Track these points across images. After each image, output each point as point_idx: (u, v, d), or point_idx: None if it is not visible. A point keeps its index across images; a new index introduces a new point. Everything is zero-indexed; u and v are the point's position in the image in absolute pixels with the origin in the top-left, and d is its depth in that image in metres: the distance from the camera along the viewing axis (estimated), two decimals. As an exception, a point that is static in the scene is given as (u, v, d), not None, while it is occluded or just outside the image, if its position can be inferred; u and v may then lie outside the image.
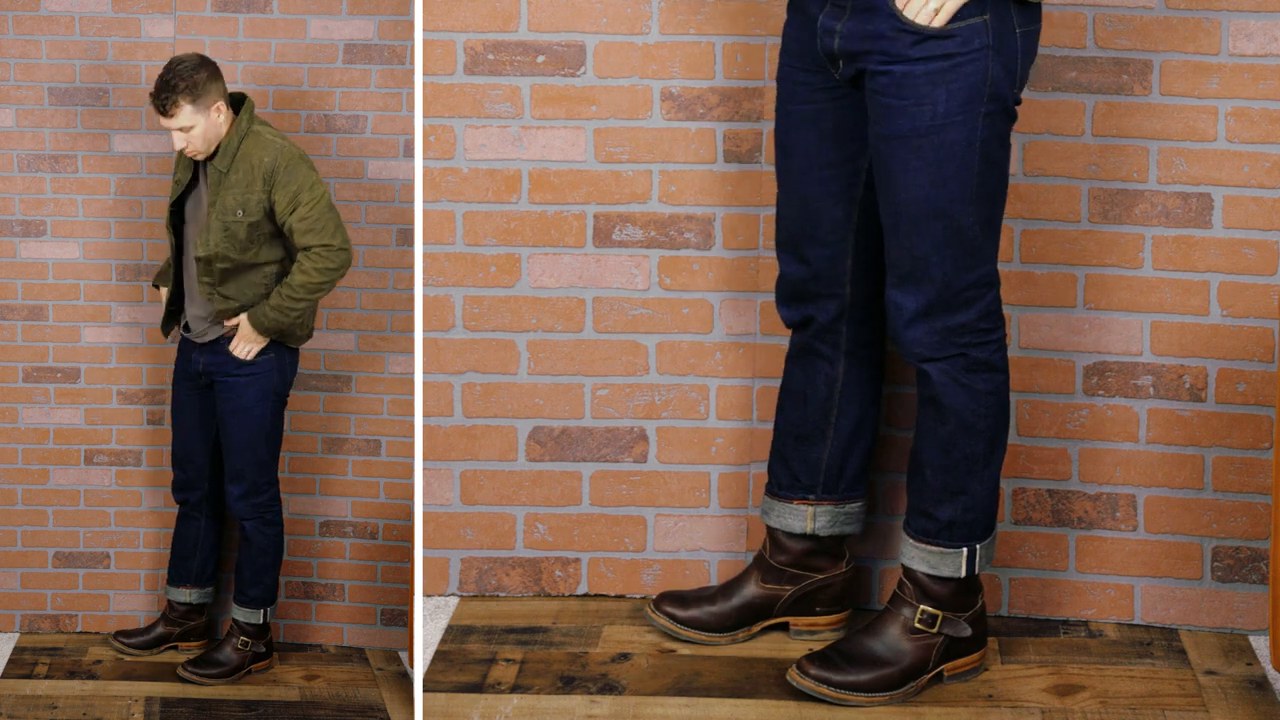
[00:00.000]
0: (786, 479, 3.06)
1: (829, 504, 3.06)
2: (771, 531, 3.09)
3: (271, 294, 3.61)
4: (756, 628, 3.09)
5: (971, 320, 2.80)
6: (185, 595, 3.89)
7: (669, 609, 3.09)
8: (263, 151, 3.58)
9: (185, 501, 3.85)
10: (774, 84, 3.11)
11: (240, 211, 3.57)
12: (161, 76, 3.53)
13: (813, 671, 2.87)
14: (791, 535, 3.07)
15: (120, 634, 3.91)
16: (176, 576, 3.90)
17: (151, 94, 3.53)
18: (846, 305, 2.96)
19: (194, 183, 3.67)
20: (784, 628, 3.11)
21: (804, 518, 3.05)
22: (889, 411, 3.20)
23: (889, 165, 2.74)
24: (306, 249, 3.59)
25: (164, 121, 3.54)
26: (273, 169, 3.56)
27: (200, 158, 3.60)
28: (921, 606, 2.89)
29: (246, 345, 3.65)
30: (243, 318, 3.64)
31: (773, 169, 3.09)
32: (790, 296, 2.98)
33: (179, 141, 3.56)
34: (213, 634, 3.97)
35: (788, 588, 3.07)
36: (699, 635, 3.08)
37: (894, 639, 2.90)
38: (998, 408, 2.86)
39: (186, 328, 3.72)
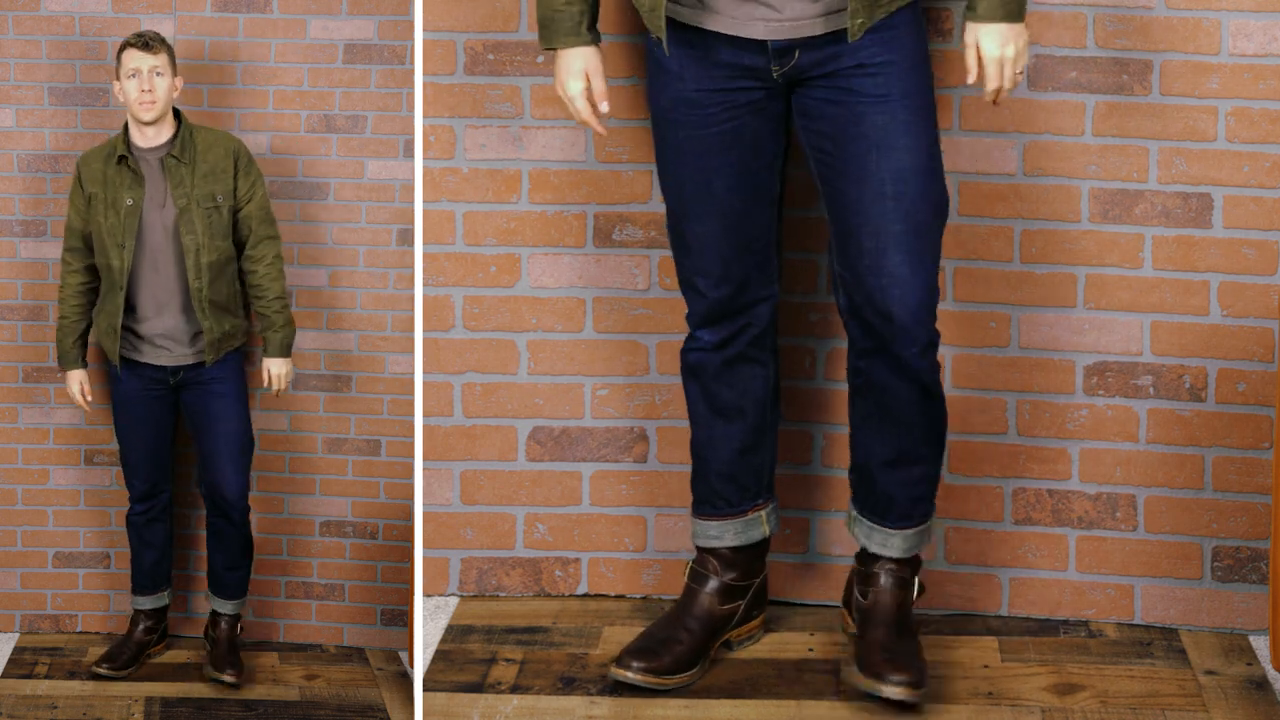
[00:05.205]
0: (735, 496, 3.00)
1: (771, 501, 3.04)
2: (715, 552, 3.01)
3: (270, 316, 3.66)
4: (714, 648, 3.02)
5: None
6: (164, 600, 3.88)
7: (640, 664, 2.92)
8: (225, 140, 3.66)
9: (150, 509, 3.81)
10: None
11: (219, 197, 3.62)
12: (138, 32, 3.60)
13: (895, 678, 2.79)
14: (743, 548, 3.01)
15: (102, 661, 3.79)
16: (151, 583, 3.86)
17: (134, 36, 3.57)
18: (777, 302, 2.94)
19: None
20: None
21: (760, 523, 3.02)
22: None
23: (880, 138, 2.70)
24: (260, 240, 3.65)
25: (140, 58, 3.54)
26: (238, 154, 3.65)
27: (149, 117, 3.56)
28: (918, 579, 2.96)
29: (287, 377, 3.72)
30: (272, 363, 3.69)
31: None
32: (716, 317, 2.90)
33: (144, 84, 3.54)
34: (168, 633, 3.95)
35: (740, 602, 3.03)
36: (682, 678, 2.93)
37: (911, 623, 2.93)
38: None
39: (131, 348, 3.65)
